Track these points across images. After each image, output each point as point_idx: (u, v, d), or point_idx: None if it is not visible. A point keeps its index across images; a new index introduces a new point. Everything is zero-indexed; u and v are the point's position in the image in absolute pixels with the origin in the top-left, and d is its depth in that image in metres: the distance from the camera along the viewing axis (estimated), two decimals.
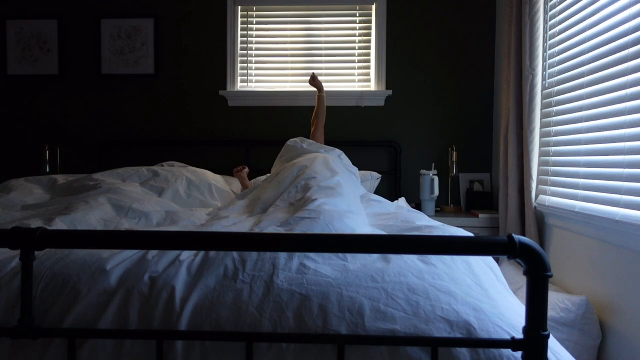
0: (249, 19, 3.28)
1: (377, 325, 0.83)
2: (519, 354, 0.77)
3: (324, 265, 0.96)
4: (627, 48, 1.76)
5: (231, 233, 0.77)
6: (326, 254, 1.00)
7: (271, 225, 1.30)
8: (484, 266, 1.14)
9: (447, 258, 1.05)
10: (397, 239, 0.77)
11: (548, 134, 2.38)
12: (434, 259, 1.03)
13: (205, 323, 0.86)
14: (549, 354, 0.74)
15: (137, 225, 1.48)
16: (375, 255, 1.03)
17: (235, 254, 0.99)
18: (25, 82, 3.29)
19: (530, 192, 2.38)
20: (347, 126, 3.20)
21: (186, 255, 1.00)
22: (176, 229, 1.41)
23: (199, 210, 1.64)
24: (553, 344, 0.86)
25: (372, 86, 3.23)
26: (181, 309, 0.87)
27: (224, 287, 0.90)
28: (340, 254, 1.01)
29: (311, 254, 0.99)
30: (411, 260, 1.01)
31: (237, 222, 1.42)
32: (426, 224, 1.51)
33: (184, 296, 0.89)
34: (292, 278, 0.92)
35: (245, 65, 3.30)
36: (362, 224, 1.36)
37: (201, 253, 1.00)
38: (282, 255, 0.98)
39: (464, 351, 0.79)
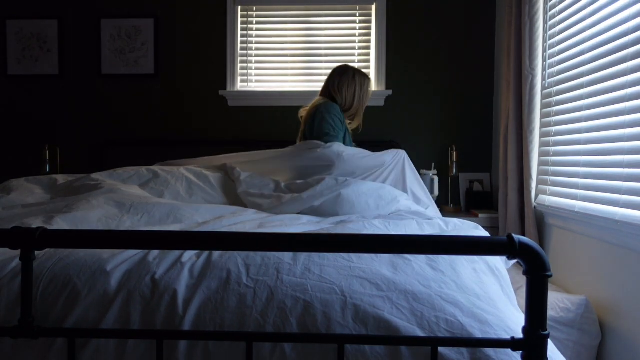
0: (249, 19, 3.28)
1: (381, 335, 0.83)
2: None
3: (329, 269, 0.96)
4: (627, 48, 1.76)
5: (234, 233, 0.77)
6: (331, 257, 1.00)
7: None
8: (491, 272, 1.14)
9: (456, 264, 1.04)
10: (397, 239, 0.77)
11: (548, 134, 2.38)
12: (443, 265, 1.02)
13: (208, 327, 0.85)
14: None
15: (140, 221, 1.47)
16: (383, 259, 1.02)
17: (239, 257, 0.98)
18: (25, 82, 3.29)
19: (530, 192, 2.38)
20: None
21: (188, 257, 0.99)
22: (179, 227, 1.41)
23: (203, 206, 1.64)
24: (549, 346, 0.86)
25: (372, 86, 3.23)
26: (184, 313, 0.87)
27: (228, 291, 0.90)
28: (345, 256, 1.00)
29: (316, 258, 0.98)
30: (419, 267, 1.00)
31: (238, 223, 1.42)
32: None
33: (187, 300, 0.89)
34: (296, 284, 0.91)
35: (245, 65, 3.30)
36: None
37: (204, 255, 0.99)
38: (287, 260, 0.97)
39: (463, 353, 0.79)
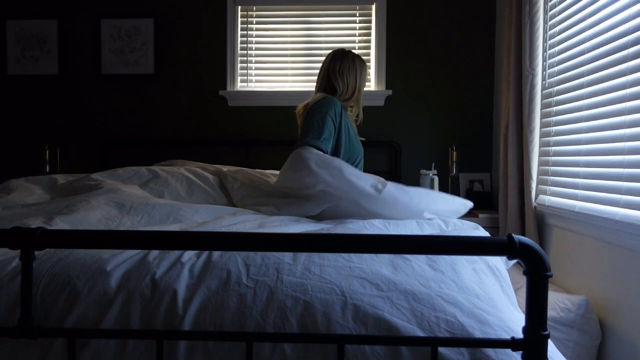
0: (249, 19, 3.28)
1: (381, 335, 0.83)
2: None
3: (329, 269, 0.96)
4: (627, 48, 1.76)
5: (234, 233, 0.77)
6: (331, 257, 1.00)
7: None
8: (491, 272, 1.14)
9: (456, 264, 1.04)
10: (397, 239, 0.77)
11: (548, 134, 2.38)
12: (443, 265, 1.02)
13: (208, 327, 0.86)
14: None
15: (140, 222, 1.47)
16: (383, 259, 1.02)
17: (239, 257, 0.98)
18: (25, 82, 3.29)
19: (530, 192, 2.38)
20: None
21: (188, 257, 0.99)
22: (179, 227, 1.41)
23: (203, 206, 1.64)
24: (549, 347, 0.86)
25: (372, 86, 3.23)
26: (184, 313, 0.87)
27: (228, 292, 0.90)
28: (345, 256, 1.00)
29: (316, 258, 0.98)
30: (419, 267, 1.00)
31: (238, 223, 1.42)
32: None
33: (187, 300, 0.89)
34: (296, 284, 0.91)
35: (245, 65, 3.30)
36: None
37: (203, 256, 0.99)
38: (286, 260, 0.97)
39: (464, 354, 0.79)
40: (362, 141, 2.20)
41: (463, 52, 3.18)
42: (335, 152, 1.97)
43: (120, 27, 3.24)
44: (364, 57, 3.19)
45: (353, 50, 2.19)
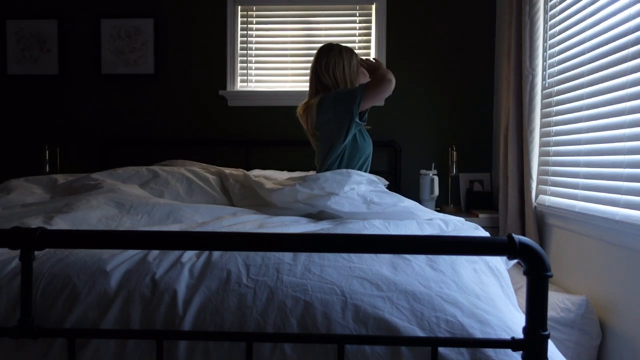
0: (249, 19, 3.28)
1: (381, 335, 0.83)
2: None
3: (329, 270, 0.96)
4: (627, 48, 1.76)
5: (234, 233, 0.77)
6: (331, 257, 1.00)
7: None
8: (491, 273, 1.14)
9: (456, 264, 1.04)
10: (397, 239, 0.77)
11: (548, 134, 2.38)
12: (443, 265, 1.02)
13: (208, 327, 0.86)
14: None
15: (139, 222, 1.47)
16: (383, 259, 1.02)
17: (239, 257, 0.98)
18: (25, 82, 3.29)
19: (530, 192, 2.38)
20: None
21: (188, 257, 0.99)
22: (179, 227, 1.41)
23: (203, 206, 1.64)
24: (549, 347, 0.86)
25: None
26: (184, 313, 0.87)
27: (228, 292, 0.90)
28: (345, 257, 1.00)
29: (316, 258, 0.98)
30: (419, 267, 1.00)
31: (238, 223, 1.42)
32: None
33: (187, 300, 0.89)
34: (296, 284, 0.91)
35: (245, 65, 3.30)
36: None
37: (203, 256, 0.99)
38: (287, 260, 0.97)
39: (464, 354, 0.79)
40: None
41: (463, 52, 3.18)
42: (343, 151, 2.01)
43: (120, 27, 3.23)
44: (363, 57, 3.21)
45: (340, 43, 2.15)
